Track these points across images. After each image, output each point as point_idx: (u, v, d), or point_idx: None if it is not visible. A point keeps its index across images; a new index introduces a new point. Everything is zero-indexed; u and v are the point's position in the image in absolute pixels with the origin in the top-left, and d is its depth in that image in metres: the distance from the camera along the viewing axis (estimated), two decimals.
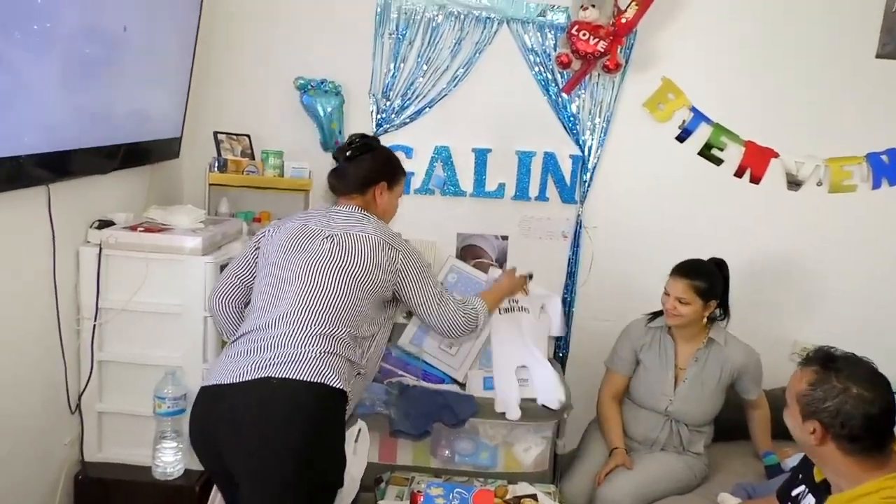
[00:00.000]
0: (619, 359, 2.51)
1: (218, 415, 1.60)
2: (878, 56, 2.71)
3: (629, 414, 2.48)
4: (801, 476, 1.64)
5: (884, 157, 2.76)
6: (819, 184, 2.80)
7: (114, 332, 2.11)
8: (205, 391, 1.66)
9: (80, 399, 2.10)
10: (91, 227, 2.10)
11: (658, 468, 2.35)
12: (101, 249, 2.04)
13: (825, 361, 1.47)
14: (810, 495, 1.56)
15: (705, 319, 2.37)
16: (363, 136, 1.98)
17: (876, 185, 2.78)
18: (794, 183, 2.80)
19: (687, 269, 2.36)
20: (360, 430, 1.82)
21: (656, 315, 2.49)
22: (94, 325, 2.06)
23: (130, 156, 2.21)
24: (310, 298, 1.69)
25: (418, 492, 1.96)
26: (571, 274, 2.89)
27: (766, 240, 2.84)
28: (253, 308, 1.78)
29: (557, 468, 2.49)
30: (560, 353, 2.93)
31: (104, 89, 1.95)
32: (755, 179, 2.80)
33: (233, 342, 1.73)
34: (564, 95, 2.74)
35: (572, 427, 2.62)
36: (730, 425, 2.53)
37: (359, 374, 1.74)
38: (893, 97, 2.73)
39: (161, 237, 2.06)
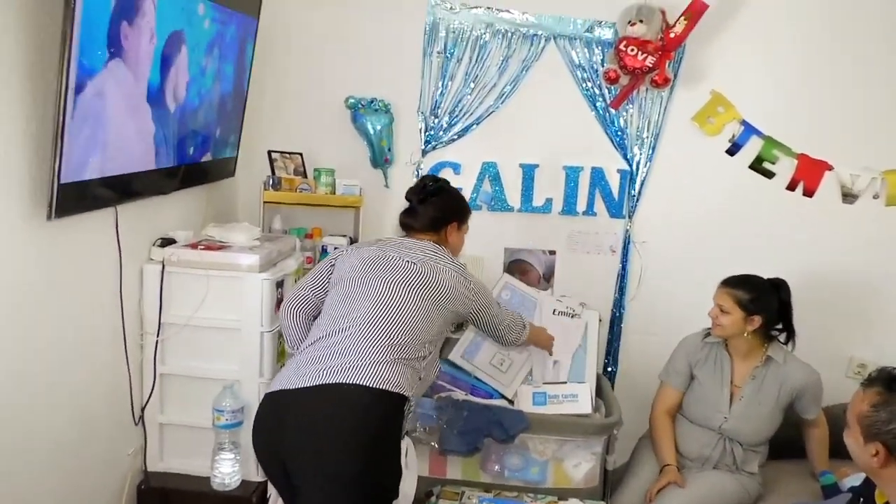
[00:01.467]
0: (675, 372, 2.48)
1: (283, 419, 1.66)
2: None
3: (682, 430, 2.46)
4: (862, 500, 1.61)
5: None
6: (876, 196, 2.73)
7: (175, 346, 2.19)
8: (270, 396, 1.71)
9: (142, 411, 2.18)
10: (154, 245, 2.18)
11: (711, 487, 2.31)
12: (163, 267, 2.12)
13: (889, 382, 1.44)
14: None
15: (747, 334, 2.33)
16: (434, 178, 2.11)
17: None
18: (849, 196, 2.74)
19: (732, 280, 2.34)
20: (406, 448, 1.85)
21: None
22: (157, 340, 2.14)
23: (190, 176, 2.29)
24: (383, 309, 1.76)
25: None
26: (620, 289, 2.88)
27: (820, 255, 2.79)
28: (322, 319, 1.84)
29: (608, 484, 2.48)
30: (609, 368, 2.92)
31: (167, 113, 2.04)
32: (808, 193, 2.75)
33: (301, 351, 1.78)
34: (612, 110, 2.74)
35: (622, 442, 2.60)
36: (785, 443, 2.47)
37: (420, 378, 1.81)
38: None
39: (220, 255, 2.13)
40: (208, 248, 2.16)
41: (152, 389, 2.17)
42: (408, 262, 1.88)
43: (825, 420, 2.41)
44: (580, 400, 2.39)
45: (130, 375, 2.10)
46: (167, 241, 2.21)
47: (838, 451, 2.28)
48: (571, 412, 2.37)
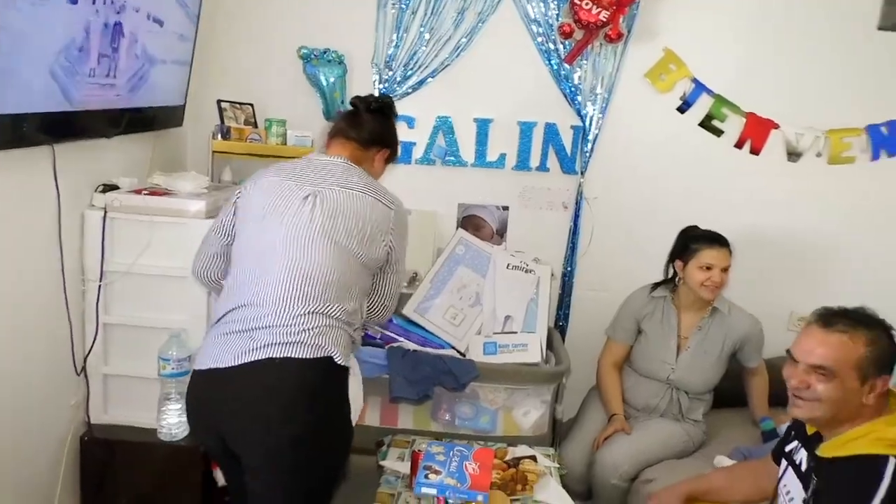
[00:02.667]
0: (621, 328, 2.54)
1: (218, 401, 1.55)
2: (879, 28, 2.70)
3: (630, 382, 2.53)
4: (793, 433, 1.67)
5: (883, 129, 2.77)
6: (818, 155, 2.80)
7: (119, 295, 2.13)
8: (200, 375, 1.59)
9: (85, 361, 2.13)
10: (96, 191, 2.12)
11: (656, 434, 2.39)
12: (105, 213, 2.06)
13: (863, 321, 1.48)
14: (803, 449, 1.59)
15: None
16: (389, 97, 1.91)
17: (875, 157, 2.79)
18: (793, 154, 2.81)
19: (720, 237, 2.39)
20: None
21: (658, 285, 2.53)
22: (100, 288, 2.08)
23: (134, 121, 2.21)
24: (298, 271, 1.58)
25: (419, 451, 1.99)
26: (572, 245, 2.91)
27: (765, 211, 2.86)
28: (236, 280, 1.65)
29: (557, 433, 2.53)
30: (560, 322, 2.96)
31: (109, 53, 1.96)
32: (755, 151, 2.81)
33: (220, 320, 1.62)
34: (566, 66, 2.74)
35: (572, 397, 2.67)
36: (729, 393, 2.57)
37: (353, 341, 1.70)
38: (894, 69, 2.73)
39: (166, 200, 2.08)
40: (153, 193, 2.10)
41: (94, 339, 2.11)
42: (305, 197, 1.63)
43: (765, 368, 2.50)
44: (530, 349, 2.42)
45: (71, 324, 2.04)
46: (110, 188, 2.14)
47: (777, 400, 2.40)
48: (521, 361, 2.40)
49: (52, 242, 1.94)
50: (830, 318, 1.50)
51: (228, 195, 2.25)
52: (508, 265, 2.68)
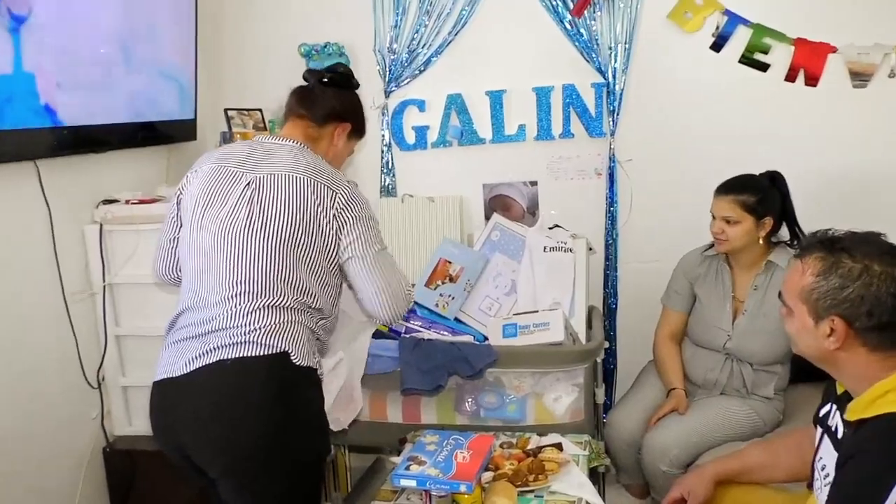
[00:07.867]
0: (674, 293, 2.29)
1: (173, 412, 1.48)
2: None
3: (687, 354, 2.26)
4: (827, 393, 1.36)
5: None
6: (891, 75, 2.38)
7: (128, 306, 2.16)
8: (156, 387, 1.52)
9: (97, 374, 2.16)
10: (97, 206, 2.16)
11: (713, 413, 2.10)
12: (101, 226, 2.09)
13: (828, 244, 1.20)
14: (837, 412, 1.29)
15: (761, 241, 2.09)
16: (349, 68, 1.74)
17: None
18: (860, 78, 2.40)
19: (731, 185, 2.11)
20: (339, 360, 1.71)
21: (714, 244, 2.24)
22: (104, 300, 2.11)
23: (138, 137, 2.26)
24: (239, 268, 1.48)
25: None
26: (611, 214, 2.65)
27: (831, 149, 2.46)
28: (184, 280, 1.59)
29: (599, 420, 2.28)
30: (609, 300, 2.70)
31: (107, 69, 2.00)
32: (811, 81, 2.43)
33: (171, 326, 1.56)
34: (577, 19, 2.51)
35: (623, 378, 2.41)
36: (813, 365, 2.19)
37: (318, 339, 1.58)
38: None
39: (153, 207, 2.09)
40: (142, 202, 2.11)
41: (104, 352, 2.14)
42: (245, 185, 1.51)
43: None
44: (552, 328, 2.17)
45: (76, 338, 2.07)
46: (110, 202, 2.18)
47: None
48: (543, 341, 2.18)
49: (49, 258, 1.98)
50: (809, 244, 1.22)
51: None
52: (546, 248, 2.44)
